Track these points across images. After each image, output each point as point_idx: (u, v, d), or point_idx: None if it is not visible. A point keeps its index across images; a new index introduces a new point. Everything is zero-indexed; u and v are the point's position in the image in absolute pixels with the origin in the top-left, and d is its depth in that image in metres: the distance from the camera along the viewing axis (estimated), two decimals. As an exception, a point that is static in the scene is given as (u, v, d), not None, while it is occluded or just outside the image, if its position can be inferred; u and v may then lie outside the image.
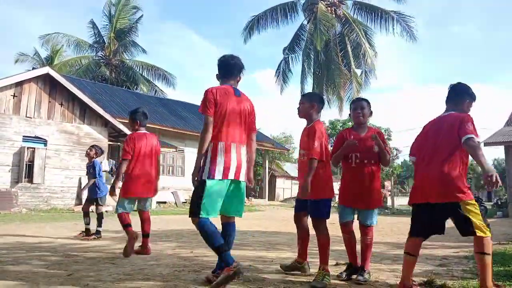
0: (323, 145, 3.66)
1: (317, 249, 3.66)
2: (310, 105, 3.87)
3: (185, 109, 23.59)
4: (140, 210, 5.11)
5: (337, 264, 4.34)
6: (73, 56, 29.28)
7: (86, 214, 6.64)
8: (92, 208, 6.85)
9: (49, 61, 29.28)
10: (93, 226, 6.60)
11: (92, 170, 6.83)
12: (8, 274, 3.64)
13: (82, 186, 6.91)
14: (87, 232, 6.54)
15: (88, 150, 6.97)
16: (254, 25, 24.72)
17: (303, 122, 3.96)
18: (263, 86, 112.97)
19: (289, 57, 25.39)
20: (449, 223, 3.14)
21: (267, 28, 24.91)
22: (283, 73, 25.21)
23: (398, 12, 23.63)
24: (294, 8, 24.93)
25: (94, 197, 6.78)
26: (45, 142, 13.96)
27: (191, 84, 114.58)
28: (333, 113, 56.94)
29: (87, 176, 7.03)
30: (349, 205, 3.86)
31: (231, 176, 3.26)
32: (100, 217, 6.59)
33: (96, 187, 6.76)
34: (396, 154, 39.64)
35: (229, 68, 3.52)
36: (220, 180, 3.20)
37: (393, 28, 23.50)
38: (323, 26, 22.36)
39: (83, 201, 7.40)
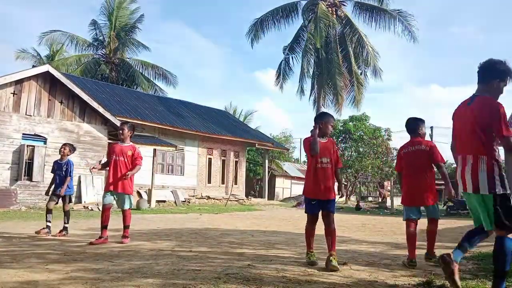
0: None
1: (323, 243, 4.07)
2: (332, 126, 4.59)
3: (185, 108, 23.57)
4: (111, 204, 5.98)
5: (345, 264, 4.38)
6: (73, 54, 29.29)
7: (50, 211, 6.63)
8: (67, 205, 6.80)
9: (50, 59, 29.25)
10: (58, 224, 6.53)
11: (65, 167, 6.71)
12: (7, 272, 3.64)
13: (64, 185, 6.76)
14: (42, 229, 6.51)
15: (62, 149, 6.87)
16: (259, 28, 24.79)
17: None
18: (263, 86, 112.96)
19: (290, 57, 25.42)
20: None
21: (269, 30, 25.05)
22: (283, 72, 25.21)
23: (400, 11, 23.63)
24: (295, 9, 24.97)
25: (63, 195, 6.69)
26: (44, 140, 13.95)
27: (190, 83, 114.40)
28: (334, 113, 56.86)
29: (54, 174, 6.81)
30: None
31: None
32: (68, 214, 6.68)
33: (67, 185, 6.71)
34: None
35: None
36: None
37: (394, 27, 23.51)
38: (323, 24, 22.38)
39: (83, 199, 7.37)
